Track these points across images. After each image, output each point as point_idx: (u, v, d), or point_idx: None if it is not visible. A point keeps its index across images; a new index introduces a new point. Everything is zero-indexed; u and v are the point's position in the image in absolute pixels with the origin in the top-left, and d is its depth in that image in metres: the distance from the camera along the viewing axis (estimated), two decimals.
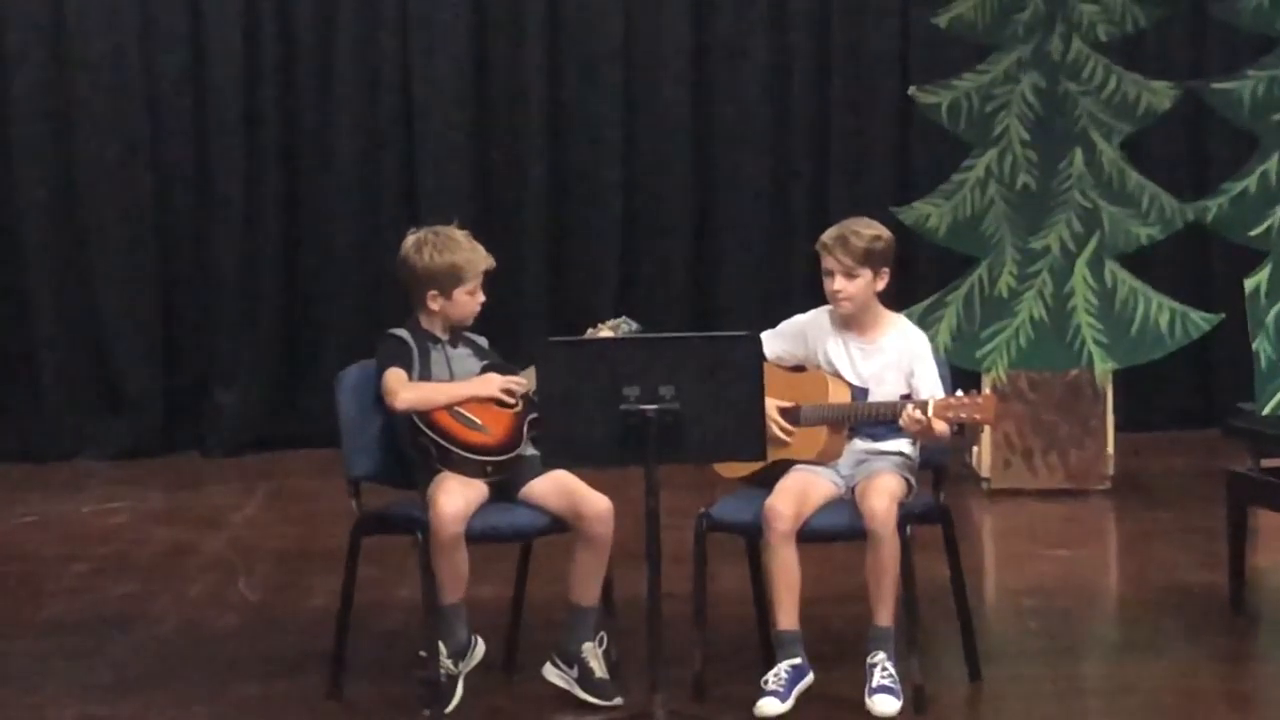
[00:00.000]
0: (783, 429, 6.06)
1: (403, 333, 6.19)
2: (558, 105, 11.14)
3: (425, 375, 6.13)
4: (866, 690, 5.90)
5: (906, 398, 6.08)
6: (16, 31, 10.85)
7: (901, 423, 5.94)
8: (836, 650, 6.30)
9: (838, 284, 6.14)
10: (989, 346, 9.44)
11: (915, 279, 10.16)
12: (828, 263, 6.15)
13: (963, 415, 5.89)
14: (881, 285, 6.18)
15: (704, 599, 6.09)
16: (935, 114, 9.67)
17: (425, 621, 6.07)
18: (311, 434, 10.41)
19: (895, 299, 6.37)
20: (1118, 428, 9.58)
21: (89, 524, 9.25)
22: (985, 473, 9.54)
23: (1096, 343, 9.41)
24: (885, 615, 5.95)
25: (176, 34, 10.95)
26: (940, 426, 5.90)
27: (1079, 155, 9.50)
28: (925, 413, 5.88)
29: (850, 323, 6.20)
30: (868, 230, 6.16)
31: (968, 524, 8.74)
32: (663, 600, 5.34)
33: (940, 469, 6.30)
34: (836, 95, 11.16)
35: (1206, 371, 11.01)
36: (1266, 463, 7.14)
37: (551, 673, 6.14)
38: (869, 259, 6.12)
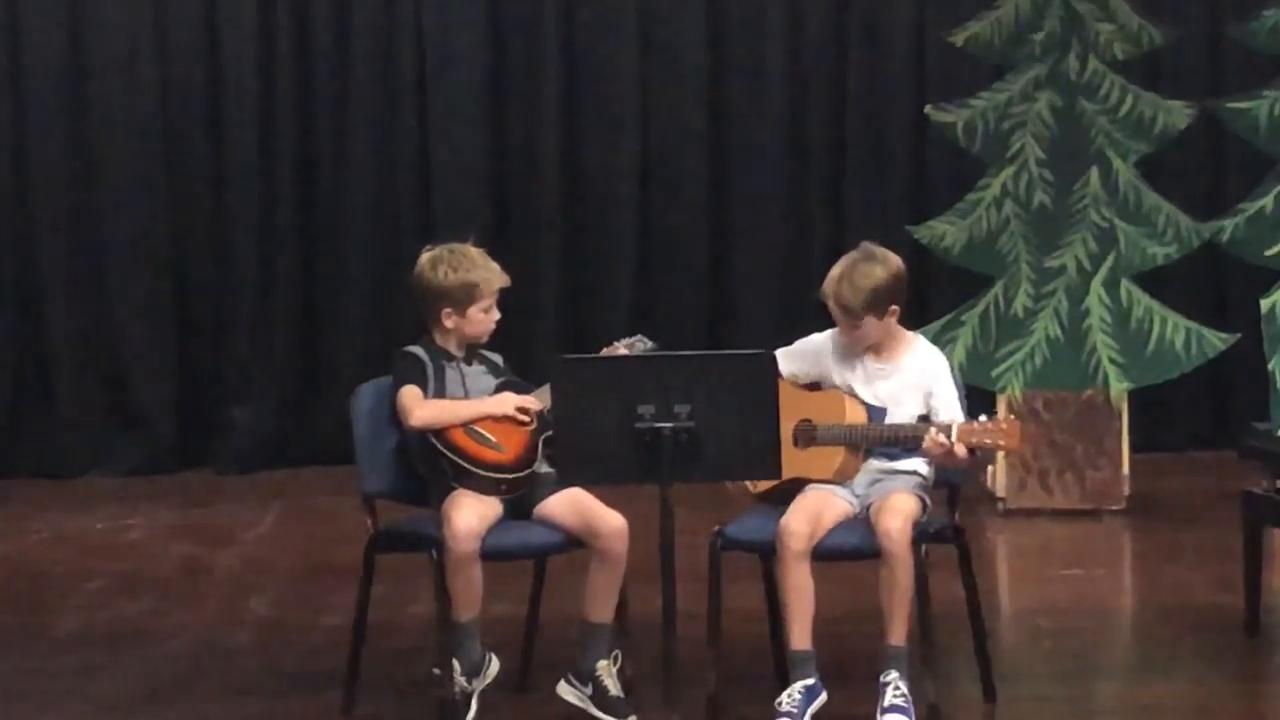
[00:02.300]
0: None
1: (418, 350, 6.19)
2: (573, 124, 11.15)
3: (440, 392, 6.13)
4: (878, 710, 5.89)
5: (924, 418, 6.07)
6: (32, 61, 10.93)
7: (924, 447, 5.91)
8: (850, 670, 6.29)
9: (844, 330, 6.12)
10: (1004, 366, 9.43)
11: (930, 298, 10.17)
12: (831, 311, 6.13)
13: (987, 441, 5.85)
14: (893, 320, 6.13)
15: (718, 618, 6.08)
16: (951, 133, 9.66)
17: (439, 639, 6.07)
18: (326, 451, 10.43)
19: (910, 318, 6.34)
20: (1133, 448, 9.56)
21: (103, 540, 9.26)
22: (1000, 492, 9.52)
23: (1112, 362, 9.40)
24: (899, 635, 5.93)
25: (192, 54, 10.98)
26: (963, 452, 5.87)
27: (1095, 174, 9.49)
28: (949, 437, 5.85)
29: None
30: (865, 280, 6.03)
31: (983, 544, 8.73)
32: (677, 619, 5.33)
33: (955, 488, 6.29)
34: (853, 114, 11.17)
35: (1222, 392, 10.99)
36: None
37: (566, 691, 6.13)
38: (871, 307, 6.05)
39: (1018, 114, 9.55)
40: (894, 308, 6.10)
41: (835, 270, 6.12)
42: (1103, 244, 9.47)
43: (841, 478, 6.11)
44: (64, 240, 10.96)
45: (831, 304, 6.11)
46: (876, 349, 6.18)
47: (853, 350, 6.19)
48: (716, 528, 6.11)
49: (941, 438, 5.85)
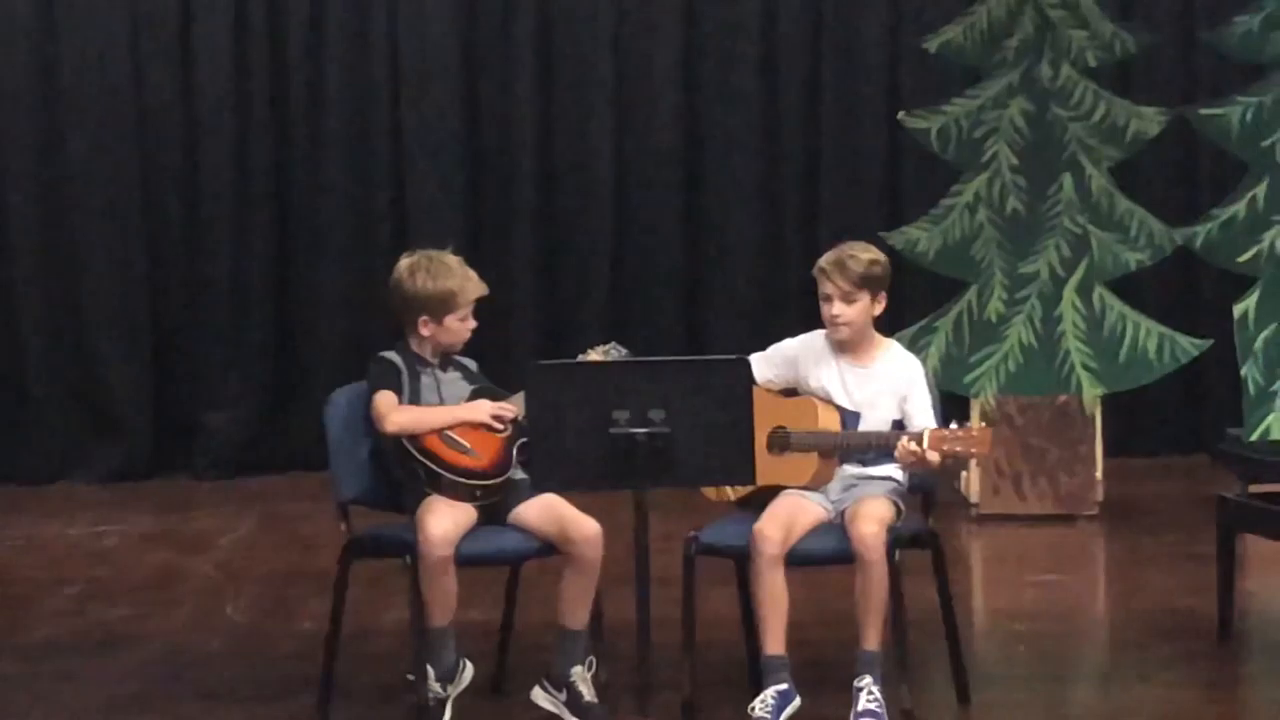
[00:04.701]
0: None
1: (393, 355, 6.20)
2: (548, 133, 11.14)
3: (415, 399, 6.14)
4: (852, 715, 5.90)
5: (898, 423, 6.09)
6: (4, 64, 10.91)
7: (896, 453, 5.94)
8: (824, 674, 6.30)
9: (836, 308, 6.14)
10: (978, 371, 9.44)
11: (904, 303, 10.12)
12: (826, 287, 6.15)
13: (958, 448, 5.87)
14: (879, 310, 6.20)
15: (693, 623, 6.09)
16: (925, 139, 9.68)
17: (414, 645, 6.07)
18: (301, 457, 10.41)
19: (884, 323, 6.37)
20: (1106, 453, 9.57)
21: (78, 547, 9.24)
22: (974, 498, 9.54)
23: (1085, 368, 9.42)
24: (873, 639, 5.94)
25: (167, 65, 10.96)
26: (934, 458, 5.89)
27: (1068, 180, 9.51)
28: (920, 444, 5.88)
29: (844, 347, 6.20)
30: (865, 255, 6.17)
31: (956, 549, 8.74)
32: (652, 624, 5.34)
33: (929, 494, 6.31)
34: (826, 120, 11.17)
35: (1195, 397, 11.01)
36: (1255, 488, 7.15)
37: (540, 696, 6.14)
38: (867, 283, 6.13)
39: (991, 120, 9.57)
40: (883, 295, 6.17)
41: (833, 251, 6.21)
42: (1076, 250, 9.49)
43: (816, 483, 6.13)
44: (38, 246, 10.92)
45: (830, 279, 6.13)
46: (853, 353, 6.20)
47: (828, 354, 6.21)
48: (691, 533, 6.12)
49: (913, 445, 5.88)
